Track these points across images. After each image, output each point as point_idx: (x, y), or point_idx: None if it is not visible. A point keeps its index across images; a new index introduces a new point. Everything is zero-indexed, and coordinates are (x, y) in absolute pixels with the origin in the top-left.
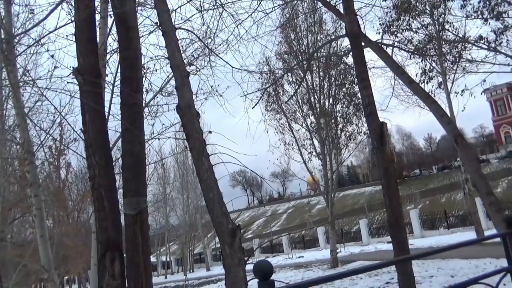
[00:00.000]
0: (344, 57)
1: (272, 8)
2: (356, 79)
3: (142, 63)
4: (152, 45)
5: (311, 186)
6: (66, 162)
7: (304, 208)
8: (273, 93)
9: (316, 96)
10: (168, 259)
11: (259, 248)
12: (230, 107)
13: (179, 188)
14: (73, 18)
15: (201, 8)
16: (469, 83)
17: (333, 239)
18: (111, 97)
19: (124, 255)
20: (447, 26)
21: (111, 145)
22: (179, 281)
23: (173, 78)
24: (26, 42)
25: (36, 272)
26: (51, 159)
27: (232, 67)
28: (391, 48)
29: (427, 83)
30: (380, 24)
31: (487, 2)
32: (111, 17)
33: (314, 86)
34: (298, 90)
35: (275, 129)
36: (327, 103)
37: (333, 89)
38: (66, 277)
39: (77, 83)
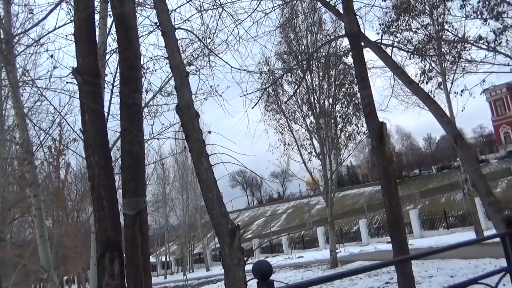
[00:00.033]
0: (343, 57)
1: (272, 8)
2: (355, 79)
3: (142, 63)
4: (151, 45)
5: (311, 186)
6: (65, 162)
7: (303, 208)
8: (273, 93)
9: (315, 96)
10: (167, 259)
11: (258, 248)
12: (229, 107)
13: (178, 188)
14: (72, 18)
15: (200, 8)
16: (468, 83)
17: (332, 239)
18: (111, 97)
19: (124, 255)
20: (446, 26)
21: (110, 145)
22: (179, 281)
23: (173, 78)
24: (25, 42)
25: (35, 272)
26: (50, 159)
27: (232, 67)
28: (390, 48)
29: (427, 83)
30: (379, 24)
31: (487, 2)
32: (110, 17)
33: (314, 86)
34: (298, 90)
35: (275, 129)
36: (326, 103)
37: (333, 89)
38: (66, 277)
39: (76, 83)
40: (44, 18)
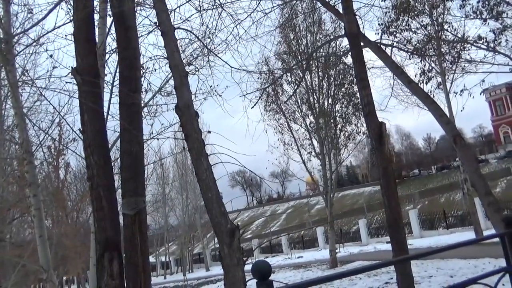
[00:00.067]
0: (343, 57)
1: (271, 8)
2: (355, 79)
3: (141, 63)
4: (151, 45)
5: (310, 186)
6: (65, 162)
7: (303, 208)
8: (272, 93)
9: (315, 96)
10: (167, 259)
11: (258, 248)
12: (229, 107)
13: (178, 188)
14: (71, 18)
15: (200, 8)
16: (468, 83)
17: (332, 239)
18: (110, 97)
19: (123, 255)
20: (446, 26)
21: (109, 145)
22: (178, 281)
23: (172, 78)
24: (25, 42)
25: (35, 272)
26: (50, 159)
27: (231, 67)
28: (390, 48)
29: (426, 83)
30: (379, 24)
31: (486, 2)
32: (110, 17)
33: (313, 86)
34: (297, 90)
35: (274, 129)
36: (326, 103)
37: (332, 89)
38: (65, 278)
39: (75, 83)
40: (44, 18)
